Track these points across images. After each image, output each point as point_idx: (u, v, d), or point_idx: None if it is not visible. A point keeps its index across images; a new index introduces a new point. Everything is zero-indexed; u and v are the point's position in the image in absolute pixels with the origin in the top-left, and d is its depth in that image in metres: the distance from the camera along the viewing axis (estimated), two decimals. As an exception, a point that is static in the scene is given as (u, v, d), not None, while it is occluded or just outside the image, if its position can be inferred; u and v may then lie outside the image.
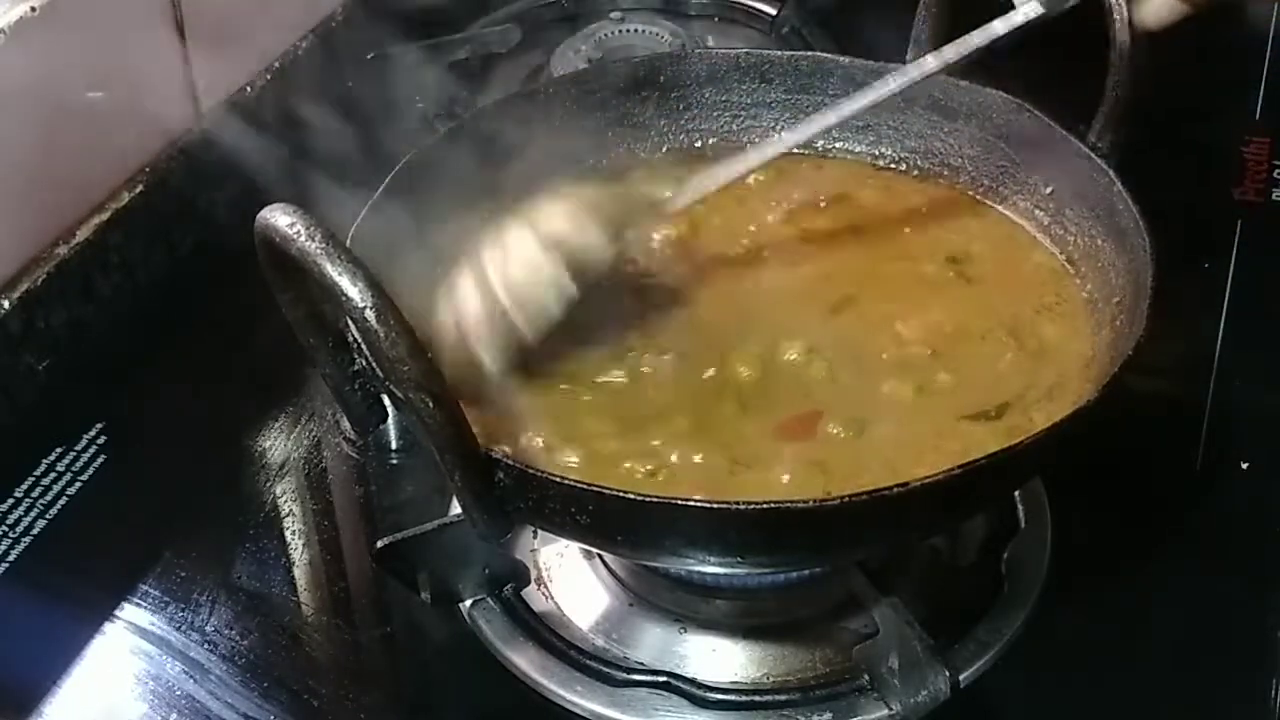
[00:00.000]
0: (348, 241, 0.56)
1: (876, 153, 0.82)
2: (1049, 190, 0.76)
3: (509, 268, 0.66)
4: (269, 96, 1.03)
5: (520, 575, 0.72)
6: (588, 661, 0.69)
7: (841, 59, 0.82)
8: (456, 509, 0.64)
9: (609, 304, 0.70)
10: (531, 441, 0.64)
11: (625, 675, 0.68)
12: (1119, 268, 0.69)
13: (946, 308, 0.72)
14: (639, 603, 0.72)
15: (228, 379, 0.89)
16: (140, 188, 0.94)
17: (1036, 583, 0.71)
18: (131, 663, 0.72)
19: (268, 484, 0.82)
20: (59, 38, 0.85)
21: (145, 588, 0.75)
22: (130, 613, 0.74)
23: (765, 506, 0.57)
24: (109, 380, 0.88)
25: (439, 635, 0.72)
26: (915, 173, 0.82)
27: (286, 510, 0.80)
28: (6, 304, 0.84)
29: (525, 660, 0.69)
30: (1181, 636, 0.71)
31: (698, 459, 0.64)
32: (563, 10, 1.19)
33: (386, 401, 0.65)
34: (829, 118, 0.74)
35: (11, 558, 0.76)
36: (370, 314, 0.53)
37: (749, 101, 0.84)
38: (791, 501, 0.57)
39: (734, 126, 0.84)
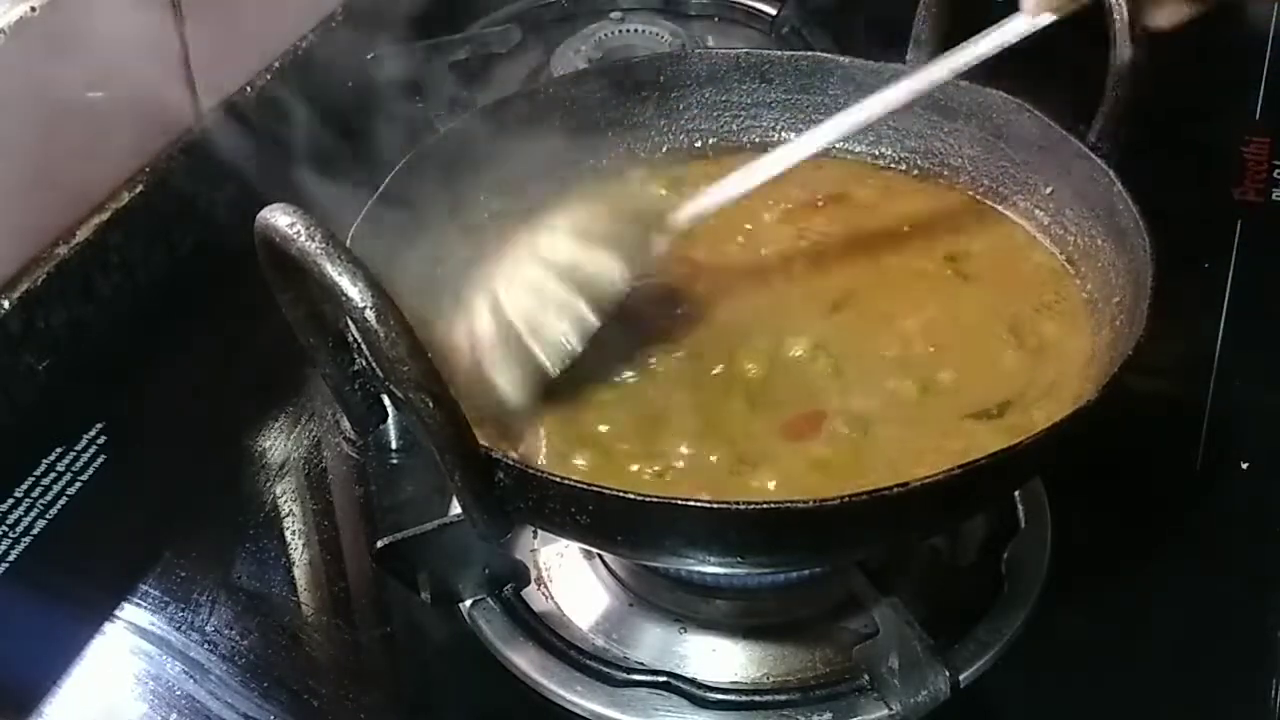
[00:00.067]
0: (348, 241, 0.56)
1: (876, 152, 0.82)
2: (1049, 190, 0.76)
3: (526, 302, 0.66)
4: (269, 96, 1.03)
5: (520, 575, 0.72)
6: (588, 661, 0.69)
7: (841, 59, 0.82)
8: (456, 509, 0.64)
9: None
10: (539, 443, 0.65)
11: (625, 675, 0.68)
12: (1119, 268, 0.69)
13: (946, 306, 0.73)
14: (639, 603, 0.72)
15: (228, 379, 0.89)
16: (140, 188, 0.94)
17: (1036, 583, 0.71)
18: (131, 663, 0.72)
19: (268, 484, 0.82)
20: (59, 37, 0.85)
21: (145, 588, 0.75)
22: (130, 613, 0.74)
23: (765, 506, 0.57)
24: (109, 380, 0.88)
25: (439, 635, 0.72)
26: (915, 172, 0.82)
27: (286, 510, 0.80)
28: (6, 304, 0.84)
29: (525, 660, 0.69)
30: (1181, 636, 0.71)
31: (704, 458, 0.64)
32: (563, 10, 1.19)
33: (386, 401, 0.65)
34: (836, 130, 0.72)
35: (11, 558, 0.76)
36: (370, 314, 0.53)
37: (749, 101, 0.83)
38: (791, 501, 0.57)
39: (734, 126, 0.84)
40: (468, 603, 0.71)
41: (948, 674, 0.63)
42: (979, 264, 0.75)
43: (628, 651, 0.70)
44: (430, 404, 0.54)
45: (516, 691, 0.69)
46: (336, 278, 0.53)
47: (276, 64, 1.06)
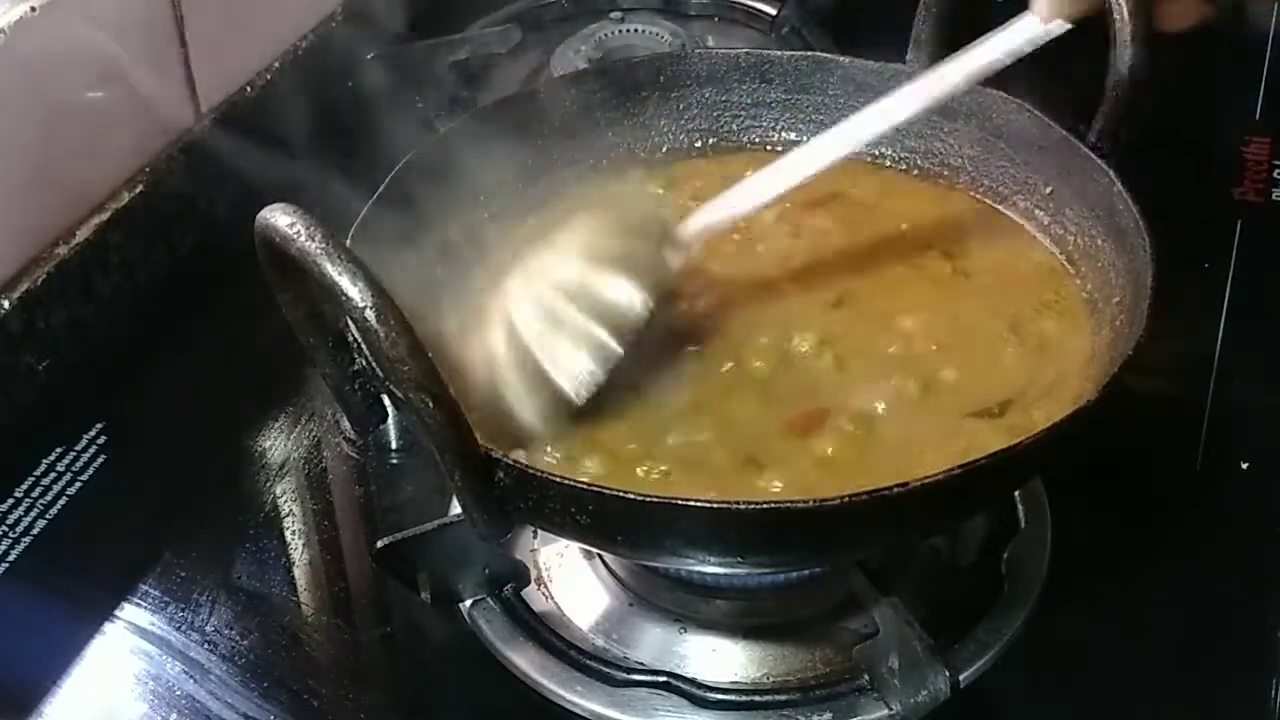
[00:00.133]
0: (348, 241, 0.56)
1: (876, 152, 0.82)
2: (1049, 190, 0.76)
3: (543, 329, 0.65)
4: (269, 96, 1.03)
5: (520, 575, 0.72)
6: (588, 661, 0.69)
7: (841, 59, 0.82)
8: (456, 509, 0.64)
9: None
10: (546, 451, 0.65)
11: (625, 675, 0.68)
12: (1119, 268, 0.69)
13: (946, 305, 0.73)
14: (639, 603, 0.72)
15: (228, 379, 0.89)
16: (140, 188, 0.94)
17: (1036, 583, 0.71)
18: (131, 663, 0.72)
19: (268, 484, 0.82)
20: (59, 38, 0.85)
21: (145, 588, 0.75)
22: (130, 613, 0.74)
23: (765, 506, 0.57)
24: (109, 380, 0.88)
25: (439, 635, 0.72)
26: (915, 172, 0.82)
27: (286, 510, 0.80)
28: (6, 304, 0.84)
29: (525, 660, 0.69)
30: (1181, 636, 0.71)
31: (710, 456, 0.64)
32: (563, 10, 1.19)
33: (386, 401, 0.65)
34: (853, 142, 0.72)
35: (11, 558, 0.76)
36: (370, 314, 0.53)
37: (749, 101, 0.83)
38: (791, 501, 0.57)
39: (734, 126, 0.84)
40: (468, 603, 0.71)
41: (948, 674, 0.63)
42: (979, 263, 0.75)
43: (628, 651, 0.70)
44: (430, 404, 0.54)
45: (516, 691, 0.69)
46: (336, 278, 0.53)
47: (276, 64, 1.06)
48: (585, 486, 0.57)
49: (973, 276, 0.75)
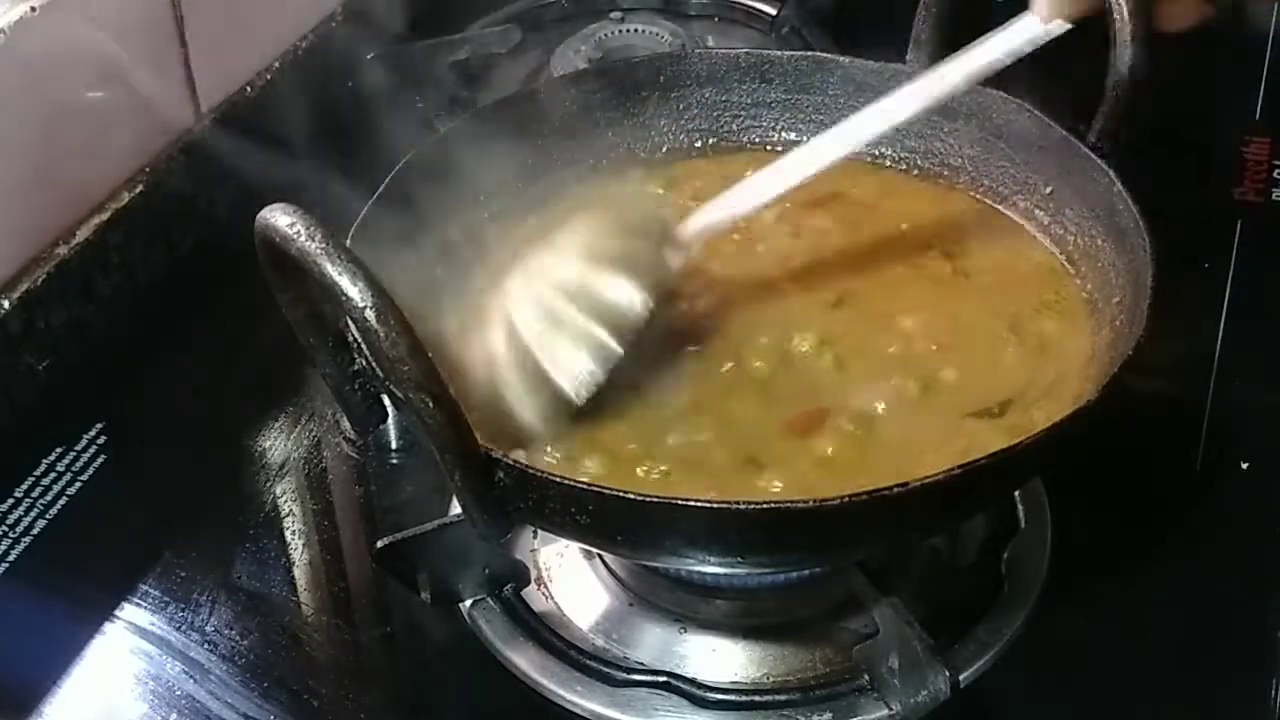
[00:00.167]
0: (348, 241, 0.56)
1: (876, 152, 0.82)
2: (1049, 190, 0.76)
3: (543, 329, 0.65)
4: (269, 96, 1.03)
5: (520, 575, 0.72)
6: (588, 661, 0.69)
7: (841, 59, 0.82)
8: (456, 509, 0.64)
9: None
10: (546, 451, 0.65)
11: (625, 675, 0.68)
12: (1119, 268, 0.69)
13: (946, 305, 0.73)
14: (639, 603, 0.72)
15: (228, 379, 0.89)
16: (140, 188, 0.94)
17: (1036, 583, 0.71)
18: (131, 663, 0.72)
19: (268, 484, 0.82)
20: (59, 38, 0.85)
21: (145, 588, 0.75)
22: (130, 613, 0.74)
23: (765, 506, 0.57)
24: (109, 380, 0.88)
25: (439, 635, 0.72)
26: (915, 172, 0.82)
27: (286, 510, 0.80)
28: (6, 304, 0.84)
29: (525, 660, 0.69)
30: (1181, 636, 0.71)
31: (711, 456, 0.64)
32: (563, 10, 1.19)
33: (386, 401, 0.65)
34: (853, 141, 0.72)
35: (11, 558, 0.76)
36: (370, 314, 0.53)
37: (749, 101, 0.83)
38: (791, 501, 0.57)
39: (734, 126, 0.84)
40: (468, 603, 0.71)
41: (948, 674, 0.63)
42: (979, 263, 0.75)
43: (628, 651, 0.70)
44: (430, 404, 0.54)
45: (516, 691, 0.69)
46: (336, 278, 0.53)
47: (276, 64, 1.06)
48: (585, 486, 0.57)
49: (973, 276, 0.75)
